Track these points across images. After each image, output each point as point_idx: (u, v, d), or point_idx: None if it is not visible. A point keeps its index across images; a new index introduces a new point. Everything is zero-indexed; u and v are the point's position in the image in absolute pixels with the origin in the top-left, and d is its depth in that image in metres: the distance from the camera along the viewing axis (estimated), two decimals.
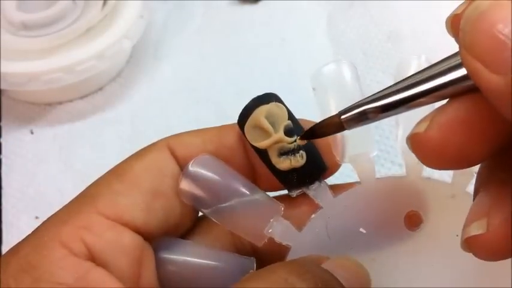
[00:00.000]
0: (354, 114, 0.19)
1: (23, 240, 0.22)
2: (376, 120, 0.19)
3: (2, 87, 0.43)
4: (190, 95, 0.47)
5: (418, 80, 0.17)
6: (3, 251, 0.38)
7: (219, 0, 0.54)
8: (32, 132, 0.45)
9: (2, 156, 0.43)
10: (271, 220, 0.23)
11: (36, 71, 0.42)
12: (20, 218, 0.40)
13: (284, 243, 0.23)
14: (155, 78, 0.48)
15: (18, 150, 0.44)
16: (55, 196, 0.41)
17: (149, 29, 0.50)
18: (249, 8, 0.53)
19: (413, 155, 0.18)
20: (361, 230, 0.23)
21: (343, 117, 0.19)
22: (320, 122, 0.21)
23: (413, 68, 0.24)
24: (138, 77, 0.48)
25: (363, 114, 0.19)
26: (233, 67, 0.48)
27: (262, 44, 0.50)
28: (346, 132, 0.22)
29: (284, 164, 0.23)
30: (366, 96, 0.19)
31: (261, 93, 0.24)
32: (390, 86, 0.18)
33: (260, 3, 0.53)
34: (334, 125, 0.20)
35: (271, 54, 0.49)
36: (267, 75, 0.47)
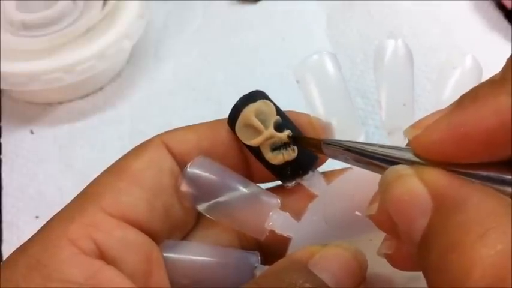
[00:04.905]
0: (333, 148, 0.21)
1: (30, 239, 0.22)
2: (346, 163, 0.21)
3: (2, 87, 0.43)
4: (190, 94, 0.47)
5: (395, 156, 0.19)
6: (4, 251, 0.38)
7: (219, 0, 0.54)
8: (32, 132, 0.45)
9: (2, 156, 0.43)
10: (271, 214, 0.23)
11: (36, 71, 0.42)
12: (20, 217, 0.40)
13: (285, 234, 0.24)
14: (155, 78, 0.48)
15: (18, 150, 0.44)
16: (55, 196, 0.41)
17: (149, 29, 0.50)
18: (249, 8, 0.53)
19: (397, 134, 0.20)
20: (357, 213, 0.24)
21: (324, 144, 0.21)
22: (306, 138, 0.24)
23: (389, 50, 0.25)
24: (138, 77, 0.48)
25: (339, 153, 0.20)
26: (233, 67, 0.48)
27: (262, 44, 0.50)
28: (332, 120, 0.24)
29: (277, 158, 0.24)
30: (351, 140, 0.20)
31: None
32: (375, 145, 0.19)
33: (260, 3, 0.53)
34: (314, 145, 0.22)
35: (271, 54, 0.49)
36: (267, 75, 0.47)
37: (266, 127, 0.24)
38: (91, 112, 0.46)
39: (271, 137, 0.24)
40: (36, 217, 0.39)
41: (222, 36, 0.51)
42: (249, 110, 0.24)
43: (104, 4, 0.46)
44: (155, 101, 0.47)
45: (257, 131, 0.24)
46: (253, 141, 0.24)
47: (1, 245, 0.38)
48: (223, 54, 0.50)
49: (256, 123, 0.24)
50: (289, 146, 0.24)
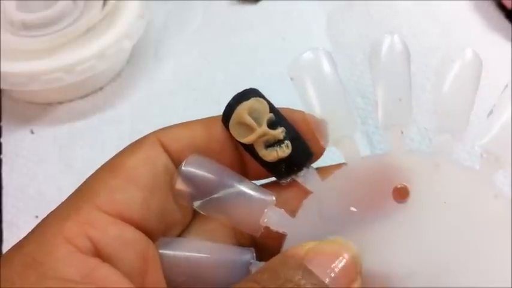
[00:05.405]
0: None
1: (25, 237, 0.22)
2: None
3: (2, 87, 0.43)
4: (190, 94, 0.47)
5: None
6: (4, 250, 0.38)
7: (219, 0, 0.54)
8: (32, 132, 0.45)
9: (2, 156, 0.43)
10: (266, 210, 0.23)
11: (36, 71, 0.42)
12: (20, 217, 0.40)
13: (280, 231, 0.24)
14: (155, 78, 0.48)
15: (18, 150, 0.44)
16: (55, 196, 0.41)
17: (149, 29, 0.50)
18: (249, 8, 0.53)
19: (393, 130, 0.20)
20: (352, 209, 0.24)
21: None
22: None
23: (385, 46, 0.25)
24: (138, 77, 0.48)
25: None
26: (233, 67, 0.48)
27: (262, 44, 0.50)
28: (327, 117, 0.24)
29: (271, 155, 0.24)
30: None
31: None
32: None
33: (260, 3, 0.53)
34: None
35: (271, 54, 0.49)
36: (267, 75, 0.47)
37: (259, 124, 0.24)
38: (91, 112, 0.46)
39: (264, 134, 0.24)
40: (36, 217, 0.39)
41: (222, 36, 0.51)
42: (242, 108, 0.24)
43: (104, 4, 0.46)
44: (155, 101, 0.47)
45: (250, 129, 0.24)
46: (247, 139, 0.24)
47: (1, 244, 0.39)
48: (223, 54, 0.50)
49: (249, 121, 0.24)
50: (283, 143, 0.24)
